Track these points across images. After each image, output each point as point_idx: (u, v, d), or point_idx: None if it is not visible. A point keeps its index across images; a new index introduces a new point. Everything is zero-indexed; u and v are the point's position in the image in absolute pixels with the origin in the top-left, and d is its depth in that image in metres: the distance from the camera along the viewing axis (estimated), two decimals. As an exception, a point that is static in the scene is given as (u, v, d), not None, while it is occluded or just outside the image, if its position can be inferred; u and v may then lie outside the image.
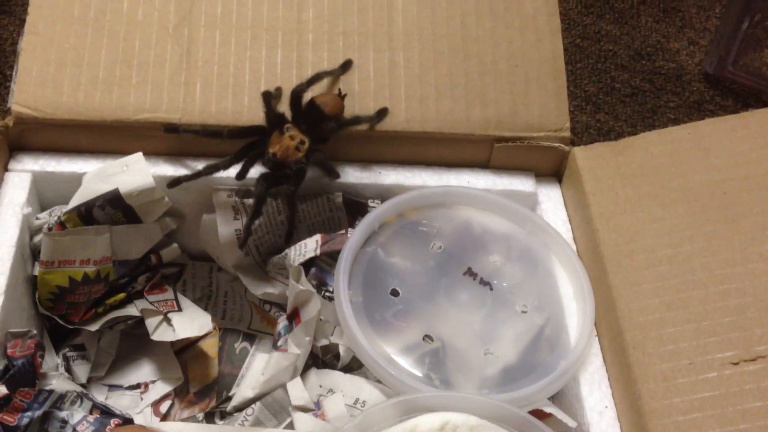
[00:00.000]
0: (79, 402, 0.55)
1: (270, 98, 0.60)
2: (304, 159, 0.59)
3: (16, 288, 0.57)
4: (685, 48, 1.03)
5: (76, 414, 0.54)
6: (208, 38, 0.63)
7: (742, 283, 0.52)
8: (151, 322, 0.60)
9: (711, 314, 0.51)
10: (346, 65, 0.62)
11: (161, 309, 0.61)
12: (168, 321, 0.60)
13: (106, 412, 0.55)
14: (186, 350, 0.64)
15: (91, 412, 0.55)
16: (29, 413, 0.53)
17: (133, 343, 0.64)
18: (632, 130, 0.94)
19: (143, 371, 0.63)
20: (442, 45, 0.65)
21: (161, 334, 0.60)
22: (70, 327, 0.60)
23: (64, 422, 0.54)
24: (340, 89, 0.62)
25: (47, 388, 0.55)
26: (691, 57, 1.02)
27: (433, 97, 0.63)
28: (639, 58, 1.01)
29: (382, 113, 0.61)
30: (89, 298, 0.60)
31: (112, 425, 0.54)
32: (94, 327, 0.60)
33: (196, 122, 0.60)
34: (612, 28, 1.04)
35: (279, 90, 0.61)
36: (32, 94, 0.60)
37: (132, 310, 0.62)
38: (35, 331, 0.56)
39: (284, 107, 0.61)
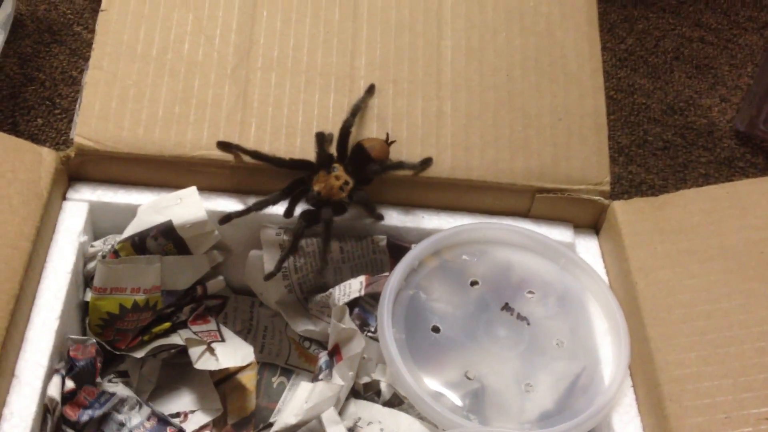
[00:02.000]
0: (138, 408, 0.58)
1: (323, 139, 0.62)
2: (346, 199, 0.61)
3: (70, 314, 0.59)
4: (716, 105, 1.05)
5: (134, 418, 0.57)
6: (264, 80, 0.65)
7: (778, 342, 0.53)
8: (194, 351, 0.62)
9: (748, 370, 0.53)
10: (371, 90, 0.65)
11: (205, 339, 0.63)
12: (211, 350, 0.62)
13: (163, 420, 0.57)
14: (225, 382, 0.66)
15: (148, 419, 0.57)
16: (90, 411, 0.56)
17: (174, 372, 0.66)
18: (663, 183, 0.96)
19: (183, 401, 0.65)
20: (488, 96, 0.67)
21: (204, 363, 0.62)
22: (117, 353, 0.62)
23: (122, 425, 0.57)
24: (388, 134, 0.64)
25: (110, 390, 0.58)
26: (723, 114, 1.04)
27: (478, 146, 0.65)
28: (671, 112, 1.03)
29: (427, 162, 0.63)
30: (137, 326, 0.62)
31: None
32: (139, 354, 0.62)
33: (251, 162, 0.62)
34: (645, 82, 1.07)
35: (331, 135, 0.63)
36: (94, 127, 0.62)
37: (176, 339, 0.64)
38: (94, 340, 0.58)
39: (333, 151, 0.63)
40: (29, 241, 0.56)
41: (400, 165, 0.62)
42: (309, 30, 0.68)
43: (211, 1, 0.68)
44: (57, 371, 0.56)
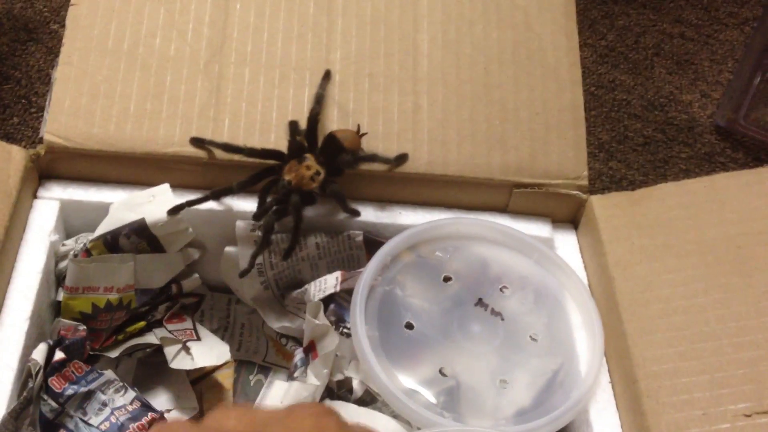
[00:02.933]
0: (122, 392, 0.57)
1: (296, 128, 0.61)
2: (317, 190, 0.60)
3: (41, 314, 0.58)
4: (697, 100, 1.05)
5: (117, 400, 0.57)
6: (238, 75, 0.64)
7: (755, 336, 0.53)
8: (170, 351, 0.61)
9: (725, 366, 0.52)
10: (327, 75, 0.64)
11: (180, 338, 0.62)
12: (187, 349, 0.61)
13: (145, 405, 0.57)
14: (201, 381, 0.65)
15: (131, 403, 0.57)
16: (75, 386, 0.56)
17: (150, 371, 0.65)
18: (644, 178, 0.96)
19: (159, 400, 0.64)
20: (465, 90, 0.66)
21: (180, 362, 0.61)
22: (91, 353, 0.61)
23: (104, 405, 0.56)
24: (359, 126, 0.63)
25: (100, 369, 0.58)
26: (703, 109, 1.04)
27: (455, 141, 0.64)
28: (652, 108, 1.03)
29: (402, 158, 0.63)
30: (110, 325, 0.61)
31: (149, 417, 0.56)
32: (114, 353, 0.61)
33: (224, 158, 0.61)
34: (626, 78, 1.06)
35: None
36: (64, 124, 0.61)
37: (151, 338, 0.63)
38: (84, 326, 0.58)
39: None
40: (-3, 240, 0.55)
41: (374, 158, 0.62)
42: (283, 24, 0.67)
43: (184, -5, 0.67)
44: (43, 341, 0.56)
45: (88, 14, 0.65)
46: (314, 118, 0.61)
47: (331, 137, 0.61)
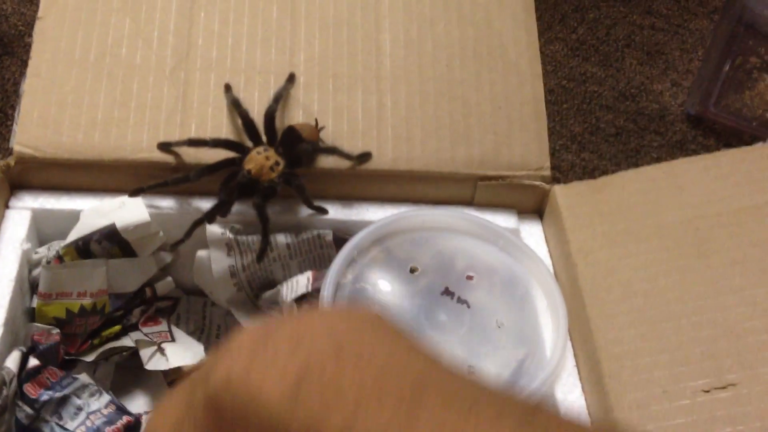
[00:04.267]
0: (97, 395, 0.59)
1: (251, 120, 0.63)
2: (276, 180, 0.61)
3: (15, 321, 0.59)
4: (668, 89, 1.06)
5: (92, 404, 0.58)
6: (204, 81, 0.65)
7: (713, 315, 0.54)
8: (145, 353, 0.62)
9: (684, 345, 0.54)
10: (291, 78, 0.66)
11: (155, 340, 0.63)
12: (162, 351, 0.62)
13: (120, 409, 0.58)
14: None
15: (106, 407, 0.58)
16: (50, 392, 0.57)
17: (128, 375, 0.66)
18: (616, 168, 0.97)
19: (137, 402, 0.65)
20: (428, 87, 0.67)
21: (155, 363, 0.62)
22: (67, 358, 0.62)
23: (79, 409, 0.57)
24: (317, 120, 0.65)
25: (74, 375, 0.59)
26: (674, 98, 1.05)
27: (419, 137, 0.66)
28: (623, 99, 1.05)
29: (365, 157, 0.64)
30: (85, 330, 0.62)
31: (124, 421, 0.58)
32: (89, 358, 0.62)
33: (192, 162, 0.62)
34: (597, 70, 1.08)
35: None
36: (33, 134, 0.62)
37: (127, 342, 0.64)
38: (58, 330, 0.59)
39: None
40: (-31, 250, 0.56)
41: (333, 150, 0.63)
42: (247, 29, 0.68)
43: (148, 4, 0.68)
44: (16, 348, 0.57)
45: (55, 26, 0.66)
46: (271, 115, 0.63)
47: (290, 129, 0.62)
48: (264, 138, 0.63)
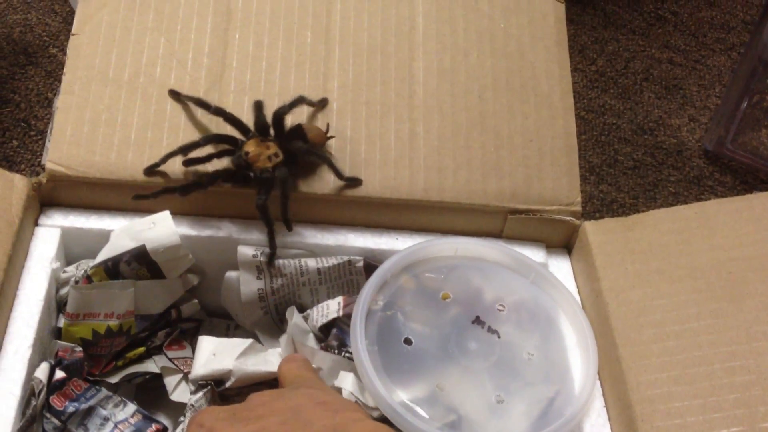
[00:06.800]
0: (122, 406, 0.59)
1: (261, 108, 0.63)
2: (270, 170, 0.61)
3: (43, 341, 0.58)
4: (685, 124, 1.07)
5: (119, 414, 0.58)
6: (237, 104, 0.65)
7: (746, 361, 0.54)
8: (170, 381, 0.62)
9: (717, 390, 0.53)
10: (324, 101, 0.66)
11: (181, 367, 0.62)
12: (187, 381, 0.62)
13: (147, 417, 0.58)
14: (199, 405, 0.65)
15: (132, 416, 0.58)
16: (76, 403, 0.57)
17: (150, 396, 0.65)
18: (634, 201, 0.97)
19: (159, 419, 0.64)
20: (460, 118, 0.67)
21: (180, 395, 0.61)
22: (90, 378, 0.61)
23: (106, 419, 0.57)
24: (328, 125, 0.65)
25: (98, 386, 0.59)
26: (692, 133, 1.06)
27: (451, 167, 0.65)
28: (641, 132, 1.05)
29: (355, 182, 0.64)
30: (110, 351, 0.61)
31: (153, 428, 0.58)
32: (113, 379, 0.62)
33: (221, 187, 0.62)
34: (616, 102, 1.08)
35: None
36: (66, 152, 0.62)
37: (151, 366, 0.63)
38: (81, 348, 0.59)
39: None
40: (1, 270, 0.55)
41: (327, 159, 0.63)
42: (281, 53, 0.68)
43: (183, 24, 0.68)
44: (45, 360, 0.57)
45: (89, 43, 0.66)
46: (280, 113, 0.63)
47: (298, 126, 0.63)
48: (272, 132, 0.63)
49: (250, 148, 0.61)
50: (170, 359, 0.63)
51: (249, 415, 0.46)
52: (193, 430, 0.46)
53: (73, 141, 0.62)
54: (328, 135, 0.64)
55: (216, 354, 0.58)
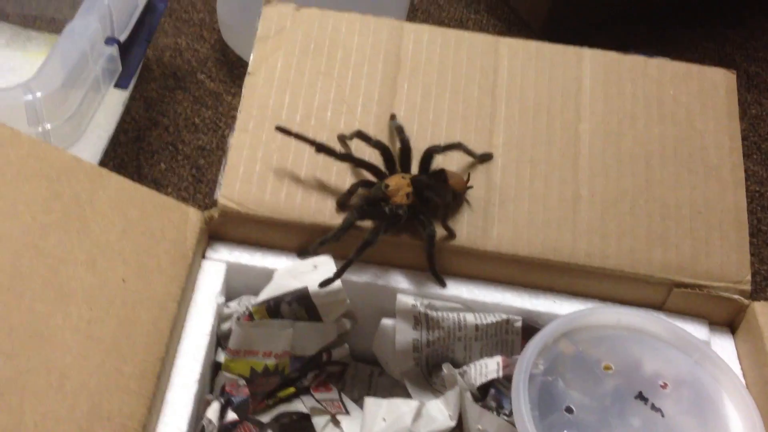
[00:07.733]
0: None
1: (408, 144, 0.64)
2: (403, 206, 0.61)
3: (205, 376, 0.59)
4: (833, 197, 1.03)
5: None
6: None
7: None
8: (318, 421, 0.62)
9: None
10: (486, 156, 0.66)
11: (329, 409, 0.62)
12: (336, 422, 0.62)
13: None
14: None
15: None
16: None
17: (291, 435, 0.66)
18: (777, 274, 0.94)
19: (301, 464, 0.64)
20: (625, 183, 0.66)
21: (329, 435, 0.61)
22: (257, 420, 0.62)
23: None
24: (469, 175, 0.65)
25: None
26: (840, 207, 1.02)
27: (614, 234, 0.64)
28: (786, 202, 1.01)
29: (451, 234, 0.63)
30: (264, 390, 0.62)
31: None
32: (265, 419, 0.62)
33: (386, 236, 0.62)
34: (759, 168, 1.05)
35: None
36: (238, 189, 0.63)
37: (299, 406, 0.64)
38: (244, 382, 0.60)
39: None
40: (175, 302, 0.56)
41: (449, 204, 0.63)
42: (448, 105, 0.68)
43: (354, 71, 0.69)
44: (214, 398, 0.58)
45: (264, 84, 0.67)
46: (429, 152, 0.64)
47: (441, 170, 0.63)
48: (414, 169, 0.64)
49: (391, 180, 0.61)
50: (318, 401, 0.63)
51: None
52: None
53: (245, 179, 0.64)
54: (468, 185, 0.64)
55: (386, 419, 0.57)
